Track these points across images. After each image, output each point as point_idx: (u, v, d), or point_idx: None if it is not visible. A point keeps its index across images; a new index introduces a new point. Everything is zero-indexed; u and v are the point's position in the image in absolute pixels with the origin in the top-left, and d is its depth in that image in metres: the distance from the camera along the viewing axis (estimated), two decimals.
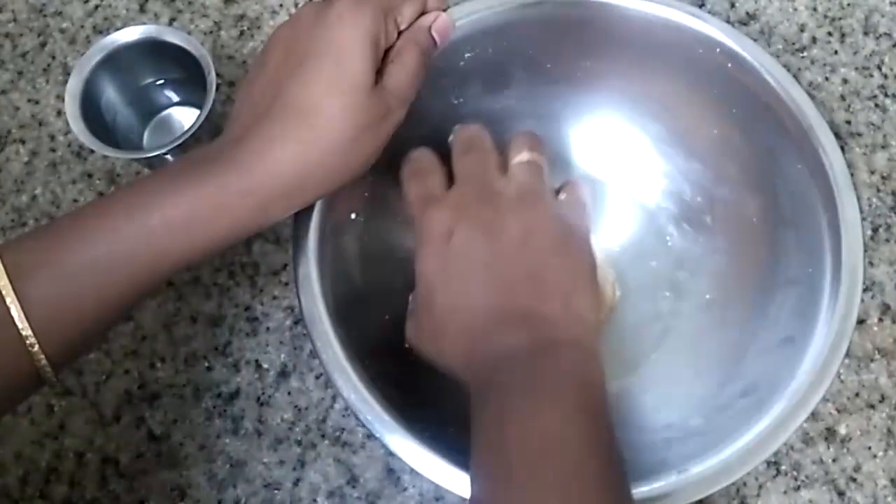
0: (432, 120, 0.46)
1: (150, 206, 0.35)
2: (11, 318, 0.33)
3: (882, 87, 0.54)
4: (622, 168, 0.50)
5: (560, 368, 0.36)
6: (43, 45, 0.55)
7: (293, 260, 0.41)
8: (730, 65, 0.45)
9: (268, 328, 0.49)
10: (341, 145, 0.36)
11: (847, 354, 0.48)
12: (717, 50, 0.45)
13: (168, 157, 0.47)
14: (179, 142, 0.46)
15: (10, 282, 0.33)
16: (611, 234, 0.50)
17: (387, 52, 0.38)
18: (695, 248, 0.49)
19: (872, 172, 0.52)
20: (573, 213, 0.42)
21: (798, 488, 0.46)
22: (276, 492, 0.46)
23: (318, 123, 0.36)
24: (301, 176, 0.36)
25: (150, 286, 0.36)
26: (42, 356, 0.34)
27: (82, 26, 0.56)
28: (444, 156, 0.43)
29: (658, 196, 0.50)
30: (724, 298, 0.47)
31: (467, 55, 0.47)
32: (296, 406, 0.47)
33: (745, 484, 0.46)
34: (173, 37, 0.48)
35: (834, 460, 0.46)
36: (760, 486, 0.46)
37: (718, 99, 0.46)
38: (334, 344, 0.40)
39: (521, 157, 0.42)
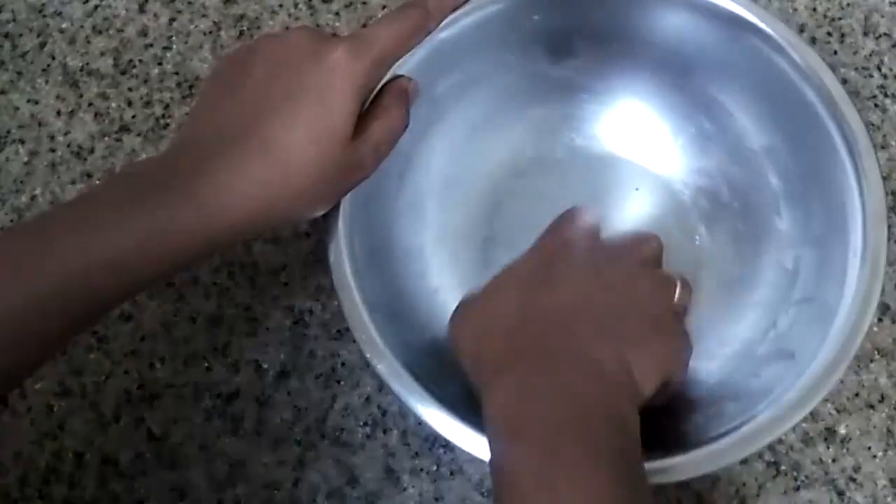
0: (487, 75, 0.47)
1: (93, 242, 0.32)
2: None
3: (882, 87, 0.54)
4: (663, 157, 0.50)
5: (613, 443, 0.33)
6: (42, 45, 0.55)
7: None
8: (793, 75, 0.44)
9: (267, 328, 0.49)
10: (305, 192, 0.36)
11: None
12: (783, 58, 0.44)
13: None
14: None
15: None
16: (639, 221, 0.49)
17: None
18: (720, 253, 0.48)
19: None
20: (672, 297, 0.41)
21: (798, 488, 0.46)
22: (275, 492, 0.46)
23: (289, 168, 0.35)
24: (257, 214, 0.35)
25: (83, 326, 0.34)
26: None
27: (82, 26, 0.56)
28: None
29: (695, 193, 0.50)
30: (738, 305, 0.47)
31: (535, 17, 0.46)
32: (295, 406, 0.47)
33: (744, 484, 0.46)
34: None
35: (834, 460, 0.46)
36: (760, 487, 0.46)
37: (774, 105, 0.46)
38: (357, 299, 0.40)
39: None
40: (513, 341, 0.36)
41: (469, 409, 0.38)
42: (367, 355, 0.39)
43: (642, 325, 0.38)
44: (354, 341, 0.48)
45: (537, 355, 0.35)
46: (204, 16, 0.56)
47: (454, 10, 0.43)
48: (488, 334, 0.37)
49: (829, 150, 0.43)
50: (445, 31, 0.42)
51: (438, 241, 0.48)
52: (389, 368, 0.39)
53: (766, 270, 0.47)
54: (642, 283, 0.40)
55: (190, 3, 0.56)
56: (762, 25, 0.44)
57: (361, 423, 0.47)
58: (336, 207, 0.41)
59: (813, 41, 0.55)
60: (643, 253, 0.42)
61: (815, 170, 0.45)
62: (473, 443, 0.38)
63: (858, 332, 0.39)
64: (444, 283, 0.47)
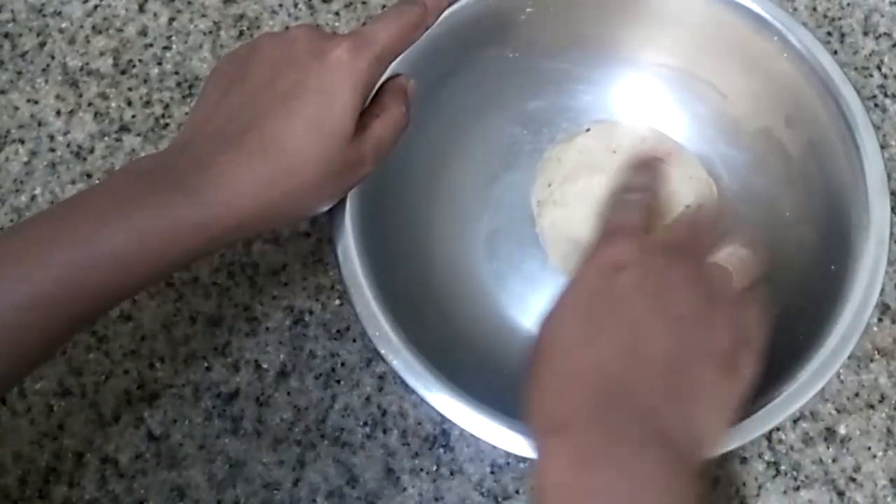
0: (485, 69, 0.47)
1: (95, 238, 0.32)
2: None
3: (882, 87, 0.54)
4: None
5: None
6: (42, 44, 0.55)
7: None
8: (785, 55, 0.44)
9: (267, 328, 0.49)
10: (307, 190, 0.36)
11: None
12: (775, 38, 0.44)
13: None
14: None
15: None
16: None
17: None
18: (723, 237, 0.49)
19: None
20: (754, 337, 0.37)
21: (798, 488, 0.46)
22: (275, 492, 0.46)
23: (292, 165, 0.35)
24: (259, 213, 0.35)
25: (83, 324, 0.34)
26: None
27: (81, 26, 0.56)
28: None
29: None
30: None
31: (528, 10, 0.47)
32: (295, 406, 0.47)
33: (744, 484, 0.46)
34: None
35: (834, 460, 0.46)
36: (760, 487, 0.46)
37: (769, 88, 0.46)
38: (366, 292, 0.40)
39: (730, 257, 0.38)
40: (572, 395, 0.34)
41: (485, 400, 0.39)
42: (382, 351, 0.39)
43: (710, 370, 0.34)
44: (354, 341, 0.48)
45: (596, 421, 0.33)
46: (204, 16, 0.56)
47: (450, 4, 0.43)
48: (552, 387, 0.34)
49: (825, 127, 0.43)
50: (441, 27, 0.42)
51: (442, 236, 0.48)
52: (405, 364, 0.39)
53: (769, 251, 0.47)
54: (712, 311, 0.36)
55: (190, 2, 0.56)
56: (752, 6, 0.45)
57: (361, 423, 0.47)
58: (342, 204, 0.41)
59: None
60: (705, 249, 0.38)
61: (812, 148, 0.45)
62: (497, 435, 0.38)
63: (868, 304, 0.40)
64: (449, 277, 0.48)
